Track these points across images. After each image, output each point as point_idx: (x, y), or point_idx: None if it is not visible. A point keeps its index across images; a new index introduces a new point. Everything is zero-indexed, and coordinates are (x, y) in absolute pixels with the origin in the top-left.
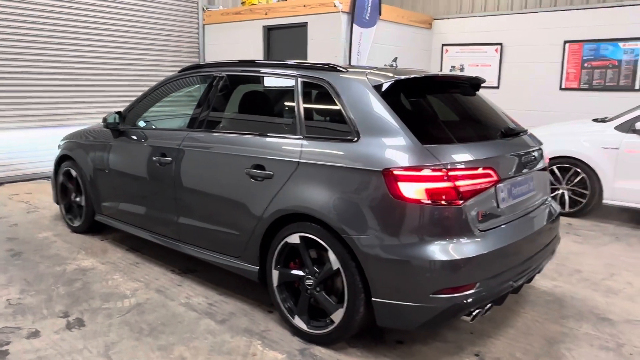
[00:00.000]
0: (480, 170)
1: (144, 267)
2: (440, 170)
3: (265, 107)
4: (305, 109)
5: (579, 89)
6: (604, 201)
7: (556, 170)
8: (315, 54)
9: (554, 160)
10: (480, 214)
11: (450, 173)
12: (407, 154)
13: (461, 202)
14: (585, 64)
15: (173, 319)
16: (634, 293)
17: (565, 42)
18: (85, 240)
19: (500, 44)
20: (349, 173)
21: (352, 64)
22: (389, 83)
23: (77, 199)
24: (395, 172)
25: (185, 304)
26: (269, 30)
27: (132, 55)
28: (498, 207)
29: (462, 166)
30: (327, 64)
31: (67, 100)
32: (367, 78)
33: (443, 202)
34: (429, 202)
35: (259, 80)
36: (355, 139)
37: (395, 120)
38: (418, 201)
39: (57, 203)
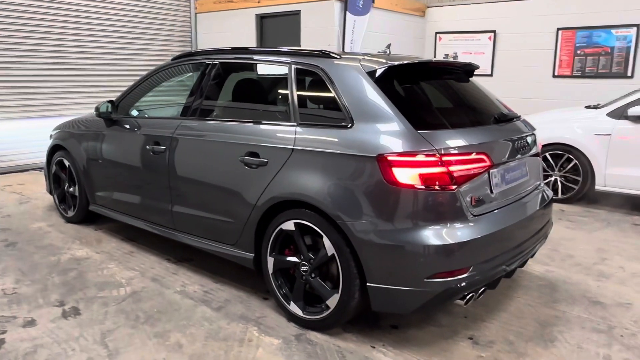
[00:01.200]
0: (473, 156)
1: (139, 256)
2: (433, 155)
3: (259, 95)
4: (298, 95)
5: (572, 76)
6: (596, 187)
7: (549, 157)
8: (309, 42)
9: (546, 147)
10: (473, 199)
11: (444, 158)
12: (400, 140)
13: (454, 187)
14: (578, 51)
15: (169, 306)
16: (625, 277)
17: (558, 29)
18: (79, 230)
19: (494, 31)
20: (343, 159)
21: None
22: (383, 69)
23: (71, 189)
24: (389, 158)
25: (181, 292)
26: (261, 19)
27: (125, 44)
28: (491, 192)
29: (456, 151)
30: (321, 51)
31: (59, 90)
32: (361, 64)
33: (437, 187)
34: (423, 187)
35: (252, 67)
36: (349, 125)
37: (389, 106)
38: (412, 186)
39: (51, 193)
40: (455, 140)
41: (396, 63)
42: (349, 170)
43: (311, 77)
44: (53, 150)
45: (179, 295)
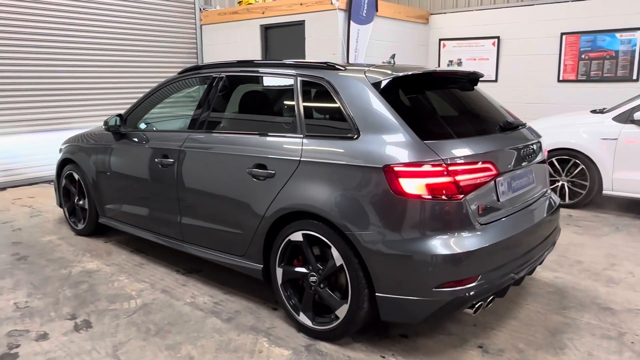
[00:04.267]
0: (479, 165)
1: (148, 268)
2: (440, 165)
3: (265, 107)
4: (305, 107)
5: (577, 80)
6: (604, 192)
7: (555, 162)
8: (313, 52)
9: (553, 152)
10: (480, 208)
11: (450, 168)
12: (407, 150)
13: (461, 196)
14: (583, 56)
15: (179, 318)
16: (634, 282)
17: (562, 33)
18: (89, 243)
19: (498, 37)
20: (349, 170)
21: (350, 61)
22: (388, 80)
23: (80, 202)
24: (395, 169)
25: (191, 303)
26: (266, 29)
27: (131, 57)
28: (498, 200)
29: (462, 161)
30: (326, 63)
31: (67, 104)
32: (366, 76)
33: (443, 197)
34: (430, 197)
35: (258, 80)
36: (356, 136)
37: (394, 117)
38: (419, 196)
39: (61, 206)
40: (461, 150)
41: (401, 74)
42: (355, 181)
43: (317, 88)
44: (63, 163)
45: (189, 306)
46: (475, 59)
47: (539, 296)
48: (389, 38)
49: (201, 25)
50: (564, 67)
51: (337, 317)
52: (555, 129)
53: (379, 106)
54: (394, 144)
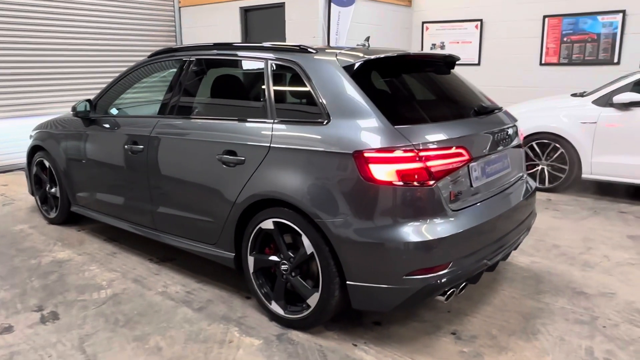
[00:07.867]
0: (452, 150)
1: (121, 257)
2: (411, 151)
3: (236, 91)
4: (275, 91)
5: (559, 63)
6: (583, 176)
7: (535, 146)
8: (294, 35)
9: (533, 136)
10: (452, 194)
11: (422, 154)
12: (378, 136)
13: (433, 182)
14: (565, 39)
15: (149, 308)
16: (609, 266)
17: (545, 16)
18: (61, 232)
19: (480, 20)
20: (320, 156)
21: (331, 44)
22: (359, 63)
23: (52, 190)
24: (366, 154)
25: (163, 293)
26: (246, 12)
27: (107, 40)
28: (471, 186)
29: (434, 146)
30: (298, 46)
31: (39, 89)
32: (337, 59)
33: (415, 183)
34: (401, 183)
35: (229, 63)
36: (326, 121)
37: (365, 101)
38: (390, 183)
39: (32, 194)
40: (433, 135)
41: (373, 57)
42: (325, 167)
43: (287, 72)
44: (33, 150)
45: (160, 296)
46: (458, 42)
47: (515, 281)
48: (371, 21)
49: (180, 7)
50: (546, 50)
51: (308, 306)
52: (535, 113)
53: (350, 90)
54: (365, 129)
